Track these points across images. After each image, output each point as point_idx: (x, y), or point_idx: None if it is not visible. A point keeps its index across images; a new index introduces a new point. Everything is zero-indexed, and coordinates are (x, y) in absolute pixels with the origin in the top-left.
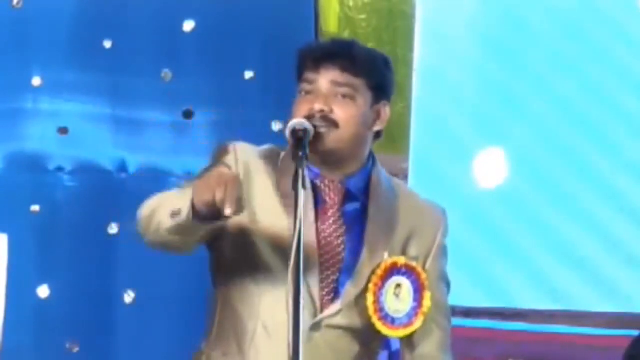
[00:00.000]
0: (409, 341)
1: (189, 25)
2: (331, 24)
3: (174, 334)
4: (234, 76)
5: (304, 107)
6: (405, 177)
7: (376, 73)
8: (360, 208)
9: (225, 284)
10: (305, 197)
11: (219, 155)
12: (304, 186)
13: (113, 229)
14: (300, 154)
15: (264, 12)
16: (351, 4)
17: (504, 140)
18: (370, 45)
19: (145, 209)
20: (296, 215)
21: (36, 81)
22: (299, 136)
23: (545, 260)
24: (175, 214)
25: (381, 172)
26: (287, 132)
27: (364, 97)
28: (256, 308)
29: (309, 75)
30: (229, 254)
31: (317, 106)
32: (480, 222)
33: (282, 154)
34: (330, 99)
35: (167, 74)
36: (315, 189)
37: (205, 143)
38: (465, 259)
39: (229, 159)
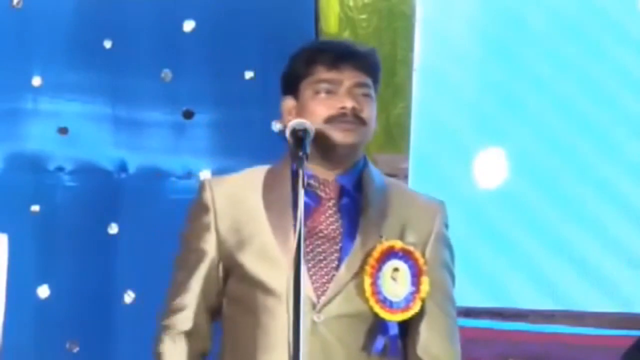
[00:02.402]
0: (415, 328)
1: (189, 25)
2: (331, 24)
3: None
4: (234, 76)
5: (329, 107)
6: (405, 177)
7: (379, 72)
8: (354, 202)
9: (232, 315)
10: (283, 207)
11: (198, 195)
12: (303, 186)
13: (113, 229)
14: (300, 154)
15: (264, 12)
16: (351, 4)
17: (504, 140)
18: (370, 45)
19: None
20: (296, 216)
21: (36, 81)
22: (299, 136)
23: (545, 260)
24: None
25: (372, 170)
26: (287, 132)
27: (374, 96)
28: (262, 323)
29: (328, 74)
30: (233, 288)
31: (349, 104)
32: (480, 222)
33: (266, 169)
34: (356, 98)
35: (167, 74)
36: (309, 188)
37: (205, 143)
38: (465, 259)
39: (206, 196)
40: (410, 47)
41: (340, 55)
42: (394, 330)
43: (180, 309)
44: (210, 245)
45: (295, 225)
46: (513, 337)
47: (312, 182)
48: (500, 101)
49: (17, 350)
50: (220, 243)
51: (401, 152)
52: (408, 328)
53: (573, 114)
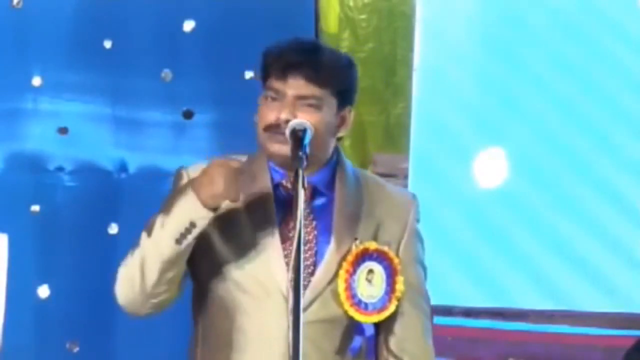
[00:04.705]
0: (389, 327)
1: (189, 25)
2: (331, 24)
3: (173, 334)
4: (234, 76)
5: (271, 114)
6: (405, 177)
7: (341, 80)
8: (328, 202)
9: (204, 309)
10: (265, 201)
11: (174, 183)
12: (303, 186)
13: (113, 229)
14: (300, 153)
15: (264, 12)
16: (351, 4)
17: (504, 140)
18: (370, 45)
19: (129, 275)
20: (296, 216)
21: (36, 81)
22: (298, 136)
23: (545, 260)
24: (184, 234)
25: (346, 166)
26: (287, 133)
27: (329, 105)
28: (237, 321)
29: (276, 84)
30: (204, 278)
31: (283, 116)
32: (480, 222)
33: (244, 158)
34: (296, 107)
35: (167, 74)
36: (285, 189)
37: (205, 143)
38: (465, 259)
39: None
40: (410, 47)
41: (290, 65)
42: (369, 332)
43: None
44: None
45: (278, 222)
46: (513, 337)
47: (284, 182)
48: (500, 101)
49: (17, 350)
50: None
51: (401, 152)
52: (381, 327)
53: (573, 114)
